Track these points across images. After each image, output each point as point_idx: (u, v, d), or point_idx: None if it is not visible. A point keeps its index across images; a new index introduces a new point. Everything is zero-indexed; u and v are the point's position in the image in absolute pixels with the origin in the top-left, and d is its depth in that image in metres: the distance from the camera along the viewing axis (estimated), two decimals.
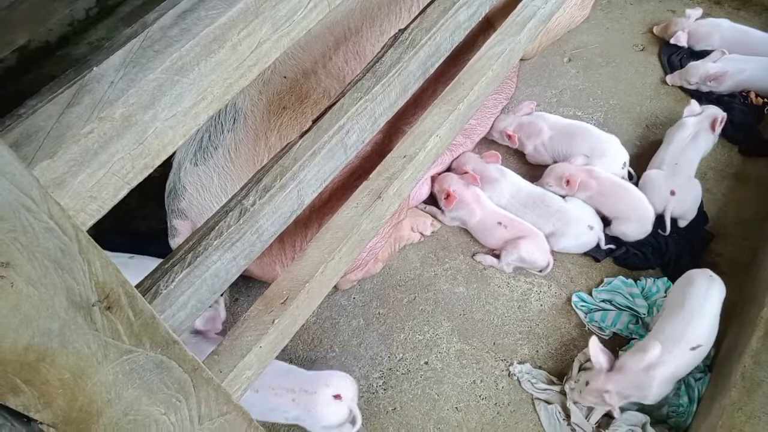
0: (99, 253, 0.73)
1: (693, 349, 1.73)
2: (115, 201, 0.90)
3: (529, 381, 1.91)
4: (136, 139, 0.88)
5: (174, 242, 1.87)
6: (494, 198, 2.27)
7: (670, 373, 1.72)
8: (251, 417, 1.23)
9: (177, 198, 1.81)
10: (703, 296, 1.80)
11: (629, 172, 2.33)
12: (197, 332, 1.89)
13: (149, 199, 1.97)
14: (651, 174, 2.25)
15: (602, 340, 1.96)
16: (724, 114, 2.34)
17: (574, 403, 1.83)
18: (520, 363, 1.96)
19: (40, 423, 0.77)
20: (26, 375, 0.71)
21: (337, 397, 1.73)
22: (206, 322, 1.89)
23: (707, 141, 2.32)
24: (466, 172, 2.29)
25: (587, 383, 1.77)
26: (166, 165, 1.90)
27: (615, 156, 2.30)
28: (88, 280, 0.73)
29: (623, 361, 1.75)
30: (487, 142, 2.55)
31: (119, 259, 1.96)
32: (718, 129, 2.32)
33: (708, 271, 1.86)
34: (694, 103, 2.39)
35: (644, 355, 1.72)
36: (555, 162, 2.38)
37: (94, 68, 0.85)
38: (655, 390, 1.71)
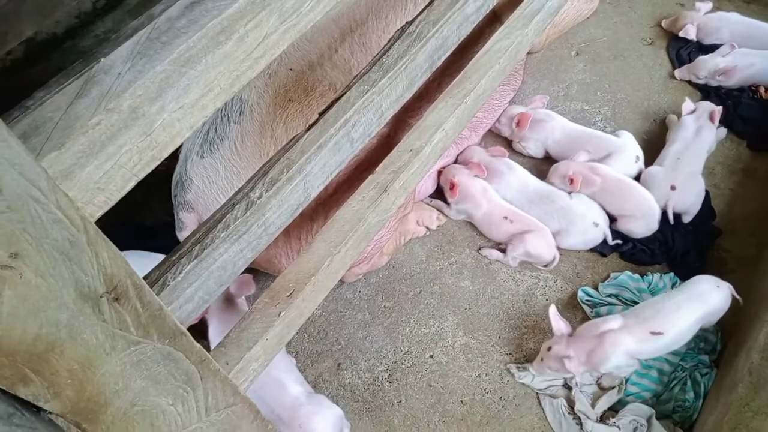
0: (107, 244, 0.73)
1: (653, 333, 1.71)
2: (123, 193, 0.90)
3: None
4: (143, 131, 0.88)
5: (182, 235, 1.87)
6: (500, 191, 2.26)
7: (623, 345, 1.71)
8: (257, 409, 1.24)
9: (183, 190, 1.82)
10: (698, 295, 1.78)
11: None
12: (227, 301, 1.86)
13: (155, 192, 1.97)
14: (651, 170, 2.24)
15: None
16: (719, 107, 2.32)
17: (537, 373, 1.86)
18: (519, 367, 1.92)
19: (49, 412, 0.78)
20: (35, 365, 0.71)
21: None
22: (239, 287, 1.86)
23: (710, 135, 2.30)
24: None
25: (549, 348, 1.80)
26: (173, 158, 1.90)
27: (628, 152, 2.29)
28: (96, 271, 0.73)
29: (582, 327, 1.82)
30: (492, 136, 2.54)
31: None
32: (716, 121, 2.30)
33: (725, 284, 1.82)
34: (687, 101, 2.38)
35: (602, 323, 1.77)
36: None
37: (102, 60, 0.85)
38: (610, 360, 1.71)
